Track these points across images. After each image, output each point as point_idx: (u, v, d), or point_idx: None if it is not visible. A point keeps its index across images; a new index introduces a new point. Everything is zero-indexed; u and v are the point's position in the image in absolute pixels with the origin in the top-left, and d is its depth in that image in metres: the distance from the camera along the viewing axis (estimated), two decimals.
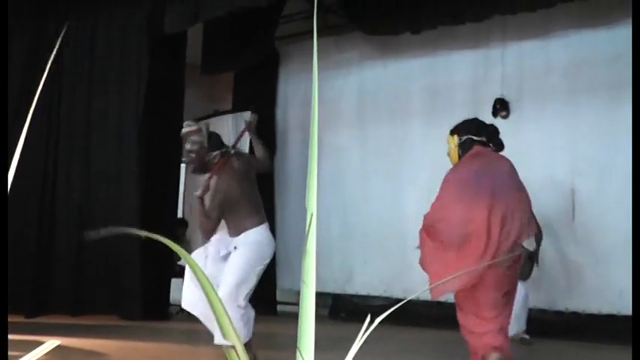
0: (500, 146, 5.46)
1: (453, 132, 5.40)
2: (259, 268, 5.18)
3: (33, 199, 8.50)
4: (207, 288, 0.99)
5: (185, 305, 5.36)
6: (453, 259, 4.84)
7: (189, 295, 5.25)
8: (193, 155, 5.26)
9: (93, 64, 9.03)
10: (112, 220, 8.76)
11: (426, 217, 5.26)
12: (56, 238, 8.88)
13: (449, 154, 5.40)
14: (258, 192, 5.45)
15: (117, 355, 5.59)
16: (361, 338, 1.29)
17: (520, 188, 5.13)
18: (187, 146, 5.26)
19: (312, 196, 1.15)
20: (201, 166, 5.32)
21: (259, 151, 5.66)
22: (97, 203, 8.86)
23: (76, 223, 8.85)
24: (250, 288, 5.15)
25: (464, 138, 5.29)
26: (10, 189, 1.59)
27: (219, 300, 1.02)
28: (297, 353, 1.14)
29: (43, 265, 8.73)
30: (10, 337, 5.63)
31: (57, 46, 8.54)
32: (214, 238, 5.27)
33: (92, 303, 8.59)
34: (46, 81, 8.95)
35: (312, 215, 1.12)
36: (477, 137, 5.31)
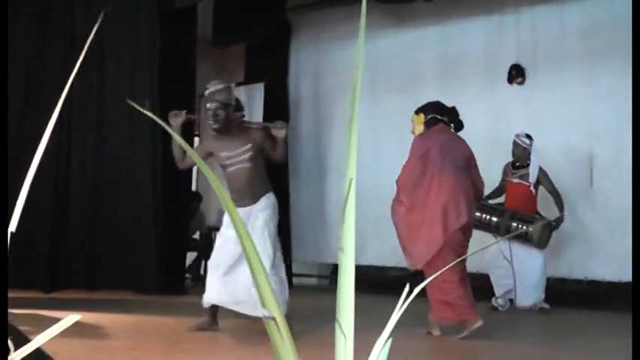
0: (460, 126, 6.19)
1: (418, 111, 6.02)
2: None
3: (47, 176, 8.46)
4: (251, 255, 0.94)
5: (210, 301, 5.55)
6: (419, 225, 5.54)
7: (209, 292, 5.52)
8: (221, 114, 5.35)
9: (104, 39, 8.96)
10: (126, 194, 8.75)
11: (397, 182, 5.96)
12: (71, 213, 8.87)
13: (413, 132, 6.00)
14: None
15: (132, 330, 5.58)
16: (400, 309, 1.25)
17: (476, 166, 5.89)
18: (213, 105, 5.33)
19: (352, 162, 1.10)
20: (226, 126, 5.41)
21: (280, 152, 5.56)
22: (111, 178, 8.83)
23: (91, 199, 8.84)
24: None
25: (429, 116, 5.90)
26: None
27: (263, 268, 0.97)
28: (337, 326, 1.09)
29: (58, 240, 8.73)
30: (28, 312, 5.66)
31: (91, 36, 8.47)
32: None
33: (108, 278, 8.59)
34: (56, 58, 8.94)
35: (351, 181, 1.06)
36: (440, 116, 5.97)
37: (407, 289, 1.33)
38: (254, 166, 5.46)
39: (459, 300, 5.42)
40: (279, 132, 5.48)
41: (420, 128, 5.95)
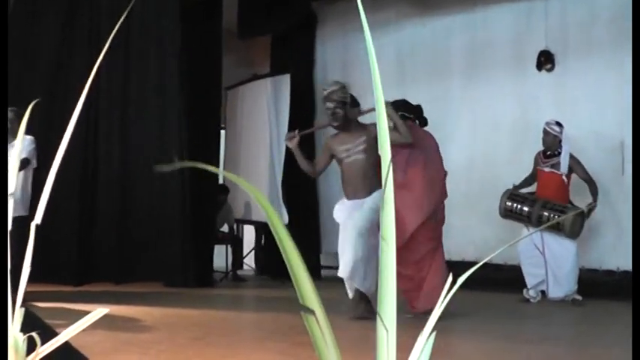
0: (425, 123, 6.68)
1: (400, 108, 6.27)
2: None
3: (74, 169, 8.48)
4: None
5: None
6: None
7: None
8: (340, 111, 5.89)
9: (130, 33, 8.95)
10: (154, 186, 8.76)
11: None
12: (98, 207, 8.90)
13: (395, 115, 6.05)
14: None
15: (160, 322, 5.57)
16: (445, 298, 1.20)
17: (441, 161, 6.35)
18: (331, 105, 5.90)
19: (386, 144, 1.04)
20: (345, 122, 5.96)
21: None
22: (139, 171, 8.84)
23: (119, 192, 8.86)
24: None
25: (399, 114, 6.09)
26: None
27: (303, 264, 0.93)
28: (378, 319, 1.04)
29: (86, 234, 8.76)
30: (57, 305, 5.67)
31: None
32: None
33: (136, 271, 8.62)
34: (82, 52, 8.96)
35: (388, 165, 1.00)
36: (408, 114, 6.36)
37: (450, 279, 1.28)
38: (367, 158, 5.88)
39: None
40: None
41: (390, 125, 6.04)
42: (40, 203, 1.89)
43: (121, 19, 1.99)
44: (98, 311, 2.00)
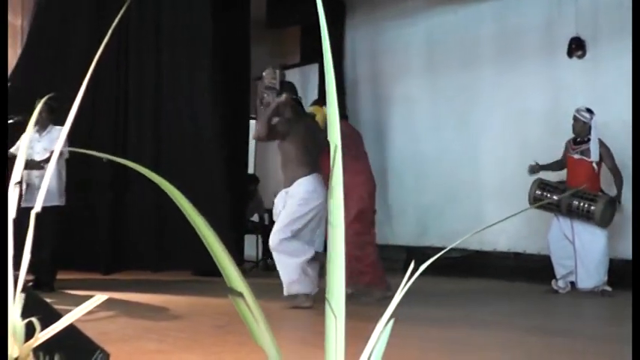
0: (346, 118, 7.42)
1: (321, 104, 6.62)
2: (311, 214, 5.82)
3: (105, 165, 8.57)
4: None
5: None
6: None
7: None
8: (268, 97, 5.97)
9: (160, 24, 9.01)
10: (185, 177, 8.81)
11: None
12: (131, 197, 8.97)
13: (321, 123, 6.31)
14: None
15: (185, 311, 5.63)
16: (403, 288, 1.20)
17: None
18: (262, 90, 6.04)
19: (335, 133, 1.04)
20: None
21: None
22: (171, 162, 8.90)
23: (151, 182, 8.91)
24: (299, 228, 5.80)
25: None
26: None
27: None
28: (326, 305, 1.04)
29: (119, 224, 8.85)
30: (86, 293, 5.75)
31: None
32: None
33: (167, 259, 8.68)
34: (111, 41, 9.03)
35: (335, 147, 1.00)
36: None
37: (412, 266, 1.28)
38: (287, 145, 5.92)
39: None
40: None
41: (324, 122, 6.33)
42: (40, 192, 1.93)
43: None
44: (97, 297, 2.02)
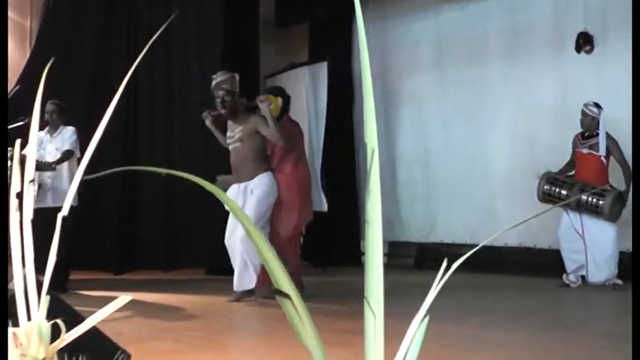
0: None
1: (277, 94, 6.66)
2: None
3: (115, 160, 8.58)
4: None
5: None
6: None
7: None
8: (228, 99, 6.25)
9: (170, 23, 9.03)
10: (197, 174, 8.81)
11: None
12: (142, 197, 8.99)
13: (270, 111, 6.29)
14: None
15: (200, 310, 5.65)
16: (437, 286, 1.20)
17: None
18: (220, 93, 6.25)
19: (372, 132, 1.05)
20: (232, 111, 6.28)
21: (267, 131, 6.21)
22: (181, 160, 8.92)
23: (162, 180, 8.93)
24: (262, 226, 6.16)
25: (286, 99, 6.66)
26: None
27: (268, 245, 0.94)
28: (365, 304, 1.05)
29: (129, 223, 8.87)
30: (99, 294, 5.77)
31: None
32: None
33: (179, 259, 8.70)
34: (121, 41, 9.06)
35: (373, 151, 1.01)
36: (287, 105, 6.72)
37: (445, 264, 1.29)
38: (245, 146, 6.22)
39: None
40: (261, 105, 6.16)
41: (278, 110, 6.55)
42: (69, 193, 1.94)
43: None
44: (122, 298, 2.04)
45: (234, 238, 6.20)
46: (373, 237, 1.04)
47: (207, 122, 6.57)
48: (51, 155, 6.92)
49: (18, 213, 1.82)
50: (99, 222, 8.47)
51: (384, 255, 7.64)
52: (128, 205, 8.91)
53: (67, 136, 7.06)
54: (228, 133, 6.42)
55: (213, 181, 8.59)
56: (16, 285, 1.94)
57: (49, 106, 7.03)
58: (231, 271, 8.30)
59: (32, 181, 1.93)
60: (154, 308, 5.42)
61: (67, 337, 1.88)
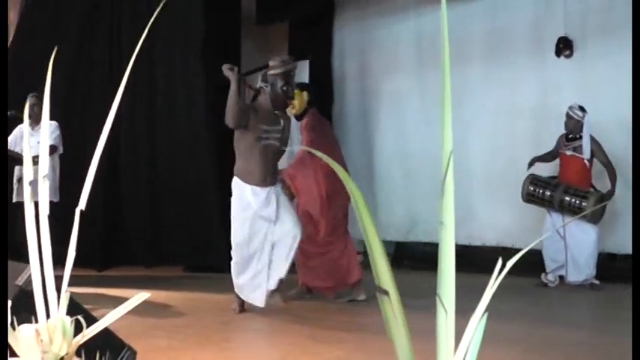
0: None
1: (302, 89, 6.54)
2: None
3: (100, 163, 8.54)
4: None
5: None
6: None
7: None
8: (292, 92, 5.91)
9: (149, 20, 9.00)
10: (180, 171, 8.78)
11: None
12: (125, 193, 8.97)
13: (293, 107, 6.39)
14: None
15: (187, 307, 5.66)
16: (494, 283, 1.24)
17: None
18: (291, 81, 5.83)
19: (448, 136, 1.09)
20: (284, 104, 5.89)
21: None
22: (164, 157, 8.91)
23: (145, 177, 8.91)
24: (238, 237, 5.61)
25: (312, 96, 6.58)
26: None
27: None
28: (437, 300, 1.08)
29: (112, 220, 8.85)
30: (87, 290, 5.74)
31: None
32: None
33: (160, 256, 8.68)
34: (103, 35, 9.02)
35: (450, 154, 1.05)
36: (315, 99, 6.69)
37: (499, 264, 1.32)
38: (280, 146, 5.86)
39: None
40: (227, 72, 5.70)
41: (303, 104, 6.52)
42: (84, 189, 1.96)
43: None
44: (140, 295, 2.06)
45: (270, 237, 5.53)
46: (447, 238, 1.08)
47: (234, 75, 5.64)
48: (33, 149, 6.86)
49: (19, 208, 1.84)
50: (82, 218, 8.40)
51: (359, 253, 7.73)
52: (111, 202, 8.87)
53: (49, 130, 7.01)
54: (264, 126, 5.64)
55: (203, 180, 8.59)
56: (34, 281, 1.96)
57: (31, 99, 6.96)
58: (209, 269, 8.30)
59: (32, 181, 1.94)
60: (142, 305, 5.36)
61: (88, 334, 1.90)
